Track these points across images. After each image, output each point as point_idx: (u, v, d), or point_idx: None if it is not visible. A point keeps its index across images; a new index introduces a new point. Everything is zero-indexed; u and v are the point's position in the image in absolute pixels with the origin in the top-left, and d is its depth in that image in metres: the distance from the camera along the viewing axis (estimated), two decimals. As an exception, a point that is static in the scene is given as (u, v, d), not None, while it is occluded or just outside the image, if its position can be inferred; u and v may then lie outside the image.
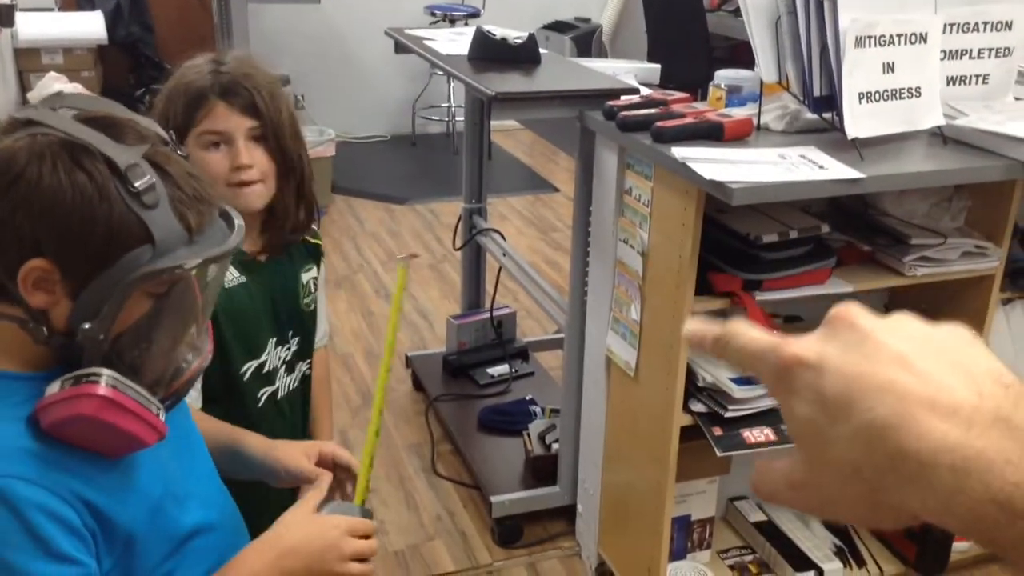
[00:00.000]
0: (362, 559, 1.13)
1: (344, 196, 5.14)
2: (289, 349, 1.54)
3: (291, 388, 1.56)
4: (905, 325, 0.45)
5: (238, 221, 0.98)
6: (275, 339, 1.51)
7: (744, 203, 1.77)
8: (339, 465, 1.28)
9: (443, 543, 2.59)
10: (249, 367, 1.47)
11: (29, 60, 4.94)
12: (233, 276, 1.43)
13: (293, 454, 1.26)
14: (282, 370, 1.53)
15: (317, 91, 5.84)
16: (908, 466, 0.41)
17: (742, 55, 5.71)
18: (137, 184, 0.88)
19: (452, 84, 6.01)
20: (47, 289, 0.90)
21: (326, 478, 1.22)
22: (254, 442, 1.28)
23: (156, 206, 0.89)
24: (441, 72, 5.90)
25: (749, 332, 0.48)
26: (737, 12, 5.62)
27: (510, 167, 5.73)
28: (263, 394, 1.50)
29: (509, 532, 2.57)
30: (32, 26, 4.92)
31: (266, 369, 1.50)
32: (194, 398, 1.41)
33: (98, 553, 0.93)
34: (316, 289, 1.59)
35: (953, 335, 0.45)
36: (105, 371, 0.90)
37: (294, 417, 1.59)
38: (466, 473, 2.84)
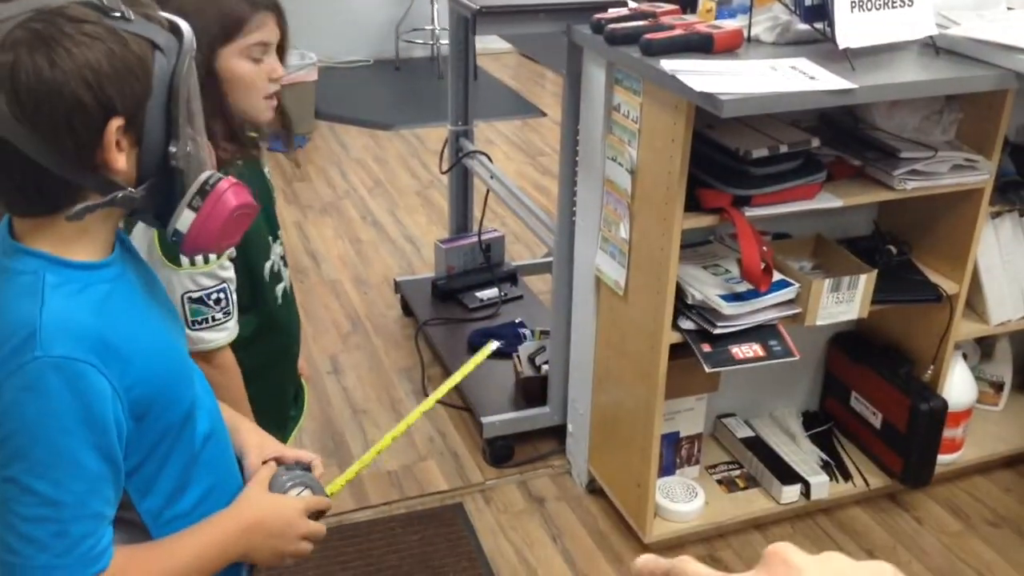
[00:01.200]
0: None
1: (328, 122, 5.07)
2: (282, 244, 1.60)
3: (290, 281, 1.64)
4: (833, 563, 0.52)
5: (183, 23, 0.99)
6: (272, 236, 1.56)
7: (734, 115, 1.75)
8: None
9: (435, 463, 2.61)
10: (267, 268, 1.54)
11: None
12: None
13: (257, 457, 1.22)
14: (281, 264, 1.60)
15: (297, 15, 5.62)
16: None
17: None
18: (118, 8, 0.92)
19: (436, 5, 5.88)
20: (121, 148, 0.93)
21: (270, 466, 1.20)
22: (244, 434, 1.24)
23: (135, 20, 0.93)
24: (424, -6, 5.80)
25: (696, 569, 0.56)
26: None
27: (496, 91, 5.65)
28: (279, 291, 1.58)
29: (500, 452, 2.60)
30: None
31: (276, 268, 1.57)
32: (235, 318, 1.45)
33: (126, 450, 0.98)
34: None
35: (881, 571, 0.53)
36: (210, 170, 0.98)
37: (295, 304, 1.68)
38: (456, 395, 2.86)
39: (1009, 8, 2.11)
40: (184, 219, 0.97)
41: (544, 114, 5.32)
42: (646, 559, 0.57)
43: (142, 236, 1.38)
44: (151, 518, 1.03)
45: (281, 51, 1.46)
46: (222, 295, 1.43)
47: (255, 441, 1.21)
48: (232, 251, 1.42)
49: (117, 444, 0.95)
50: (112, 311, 0.96)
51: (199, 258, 1.39)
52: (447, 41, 5.99)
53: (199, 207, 0.96)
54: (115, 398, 0.94)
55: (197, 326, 1.42)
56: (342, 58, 5.93)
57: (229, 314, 1.44)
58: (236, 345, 1.48)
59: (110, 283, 0.98)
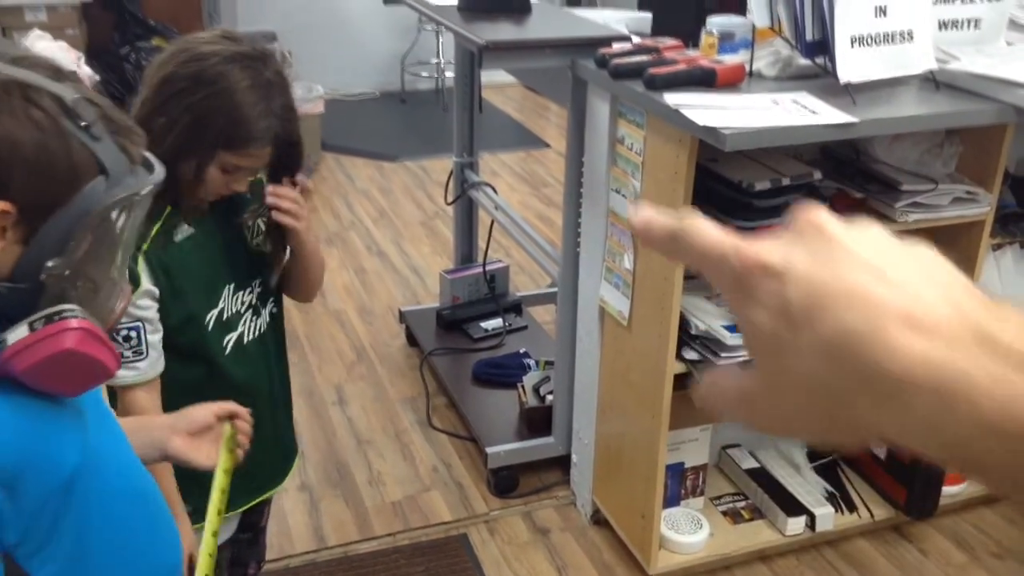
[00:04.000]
0: None
1: (333, 153, 5.11)
2: (252, 292, 1.56)
3: (260, 331, 1.58)
4: (876, 234, 0.41)
5: (155, 160, 0.98)
6: (232, 284, 1.52)
7: (737, 148, 1.77)
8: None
9: (440, 494, 2.61)
10: (211, 316, 1.49)
11: (12, 18, 4.87)
12: (182, 230, 1.44)
13: (195, 410, 1.26)
14: (248, 314, 1.55)
15: (305, 47, 5.76)
16: (884, 385, 0.37)
17: (731, 4, 5.67)
18: (85, 117, 0.89)
19: (441, 39, 5.95)
20: (2, 236, 0.89)
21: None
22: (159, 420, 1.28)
23: (103, 139, 0.90)
24: (431, 27, 5.88)
25: (707, 230, 0.43)
26: (728, -37, 5.56)
27: (501, 123, 5.70)
28: (228, 341, 1.52)
29: (505, 482, 2.60)
30: (14, -17, 4.85)
31: (226, 316, 1.52)
32: (154, 358, 1.43)
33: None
34: (266, 227, 1.56)
35: (922, 249, 0.41)
36: (74, 306, 0.91)
37: (266, 359, 1.61)
38: (461, 425, 2.87)
39: (1008, 43, 2.14)
40: (16, 333, 0.89)
41: (548, 146, 5.36)
42: (646, 213, 0.44)
43: None
44: None
45: (292, 164, 1.49)
46: (133, 333, 1.40)
47: (166, 422, 1.25)
48: (155, 291, 1.41)
49: None
50: None
51: None
52: (452, 74, 6.06)
53: (36, 330, 0.89)
54: None
55: (127, 350, 1.41)
56: (348, 90, 5.99)
57: (140, 354, 1.41)
58: (179, 390, 1.45)
59: None
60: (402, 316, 3.33)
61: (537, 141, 5.43)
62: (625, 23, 2.71)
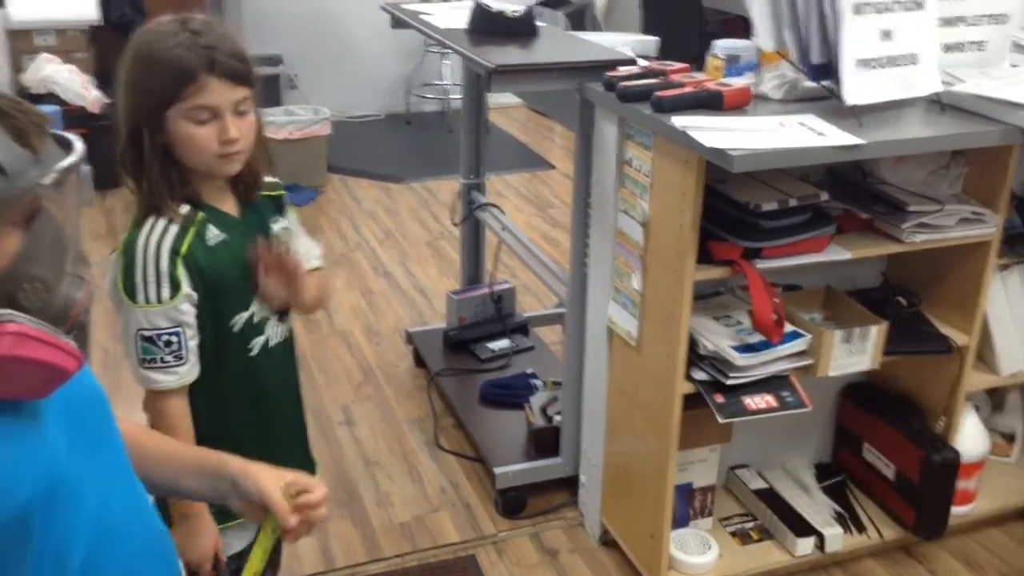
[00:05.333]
0: None
1: (340, 175, 5.14)
2: None
3: (284, 336, 1.62)
4: None
5: (76, 142, 0.96)
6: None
7: (745, 170, 1.79)
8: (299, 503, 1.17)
9: (448, 515, 2.61)
10: (239, 319, 1.52)
11: (22, 42, 4.92)
12: (215, 234, 1.48)
13: (271, 484, 1.15)
14: (273, 319, 1.58)
15: (310, 70, 5.82)
16: None
17: (734, 29, 5.71)
18: None
19: (446, 62, 5.99)
20: None
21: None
22: (235, 463, 1.19)
23: None
24: (436, 50, 5.92)
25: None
26: (730, -14, 5.61)
27: (506, 145, 5.73)
28: (254, 344, 1.55)
29: (513, 503, 2.60)
30: (25, 7, 4.90)
31: (256, 319, 1.55)
32: (192, 363, 1.46)
33: None
34: (290, 239, 1.62)
35: None
36: (5, 310, 0.88)
37: (286, 364, 1.64)
38: (468, 446, 2.87)
39: (1013, 65, 2.16)
40: None
41: (553, 167, 5.39)
42: None
43: (111, 268, 1.43)
44: None
45: (247, 106, 1.44)
46: (174, 338, 1.43)
47: (258, 472, 1.16)
48: (194, 295, 1.44)
49: None
50: None
51: (153, 295, 1.42)
52: (457, 96, 6.12)
53: None
54: None
55: (146, 365, 1.44)
56: (354, 112, 6.03)
57: (181, 359, 1.44)
58: (208, 393, 1.50)
59: None
60: (409, 337, 3.34)
61: (542, 162, 5.46)
62: (631, 47, 2.73)
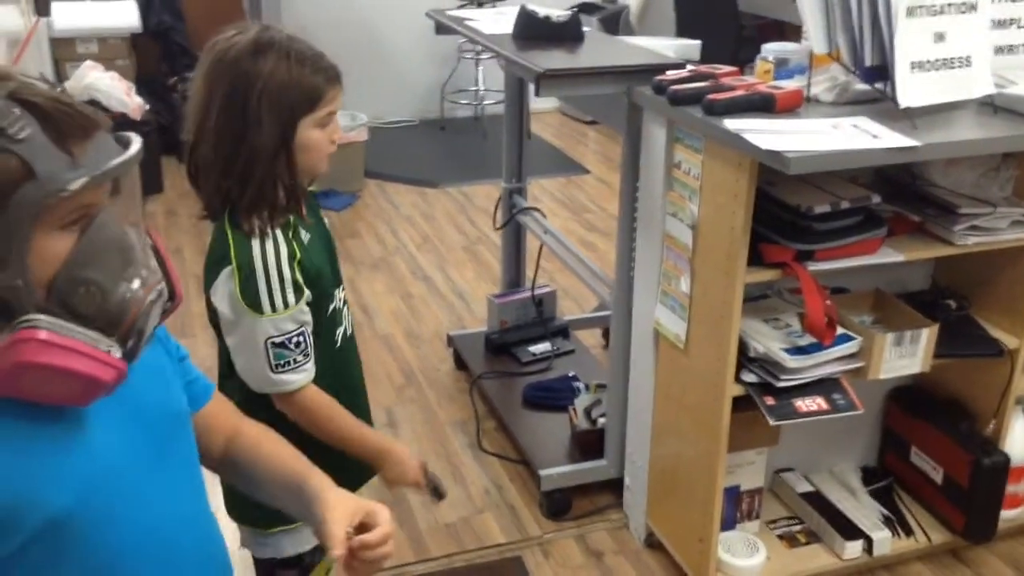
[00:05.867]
0: None
1: (377, 180, 5.18)
2: (344, 289, 1.66)
3: (353, 325, 1.70)
4: None
5: (135, 141, 0.95)
6: (336, 282, 1.63)
7: (801, 172, 1.79)
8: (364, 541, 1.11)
9: (492, 516, 2.63)
10: (330, 309, 1.59)
11: (65, 49, 5.00)
12: (304, 234, 1.53)
13: (336, 514, 1.10)
14: (345, 309, 1.66)
15: (347, 77, 5.71)
16: None
17: (769, 33, 5.69)
18: (3, 122, 0.85)
19: (480, 68, 6.02)
20: None
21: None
22: (315, 482, 1.17)
23: (29, 140, 0.86)
24: (471, 56, 5.95)
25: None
26: (765, -10, 5.60)
27: (540, 150, 5.74)
28: (338, 335, 1.62)
29: (558, 504, 2.61)
30: (67, 16, 4.99)
31: (336, 309, 1.61)
32: (313, 358, 1.51)
33: None
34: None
35: None
36: (36, 315, 0.88)
37: (357, 353, 1.74)
38: (511, 448, 2.88)
39: (1064, 67, 2.15)
40: None
41: (587, 171, 5.40)
42: None
43: (224, 283, 1.45)
44: None
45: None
46: (301, 338, 1.49)
47: (330, 499, 1.12)
48: (309, 295, 1.49)
49: None
50: None
51: (280, 303, 1.45)
52: (491, 101, 6.14)
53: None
54: None
55: (280, 369, 1.48)
56: (389, 118, 6.08)
57: (307, 356, 1.51)
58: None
59: None
60: (450, 340, 3.36)
61: (577, 167, 5.47)
62: (673, 50, 2.74)
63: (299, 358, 1.49)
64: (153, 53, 5.56)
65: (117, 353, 0.92)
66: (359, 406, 1.68)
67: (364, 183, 5.08)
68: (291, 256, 1.47)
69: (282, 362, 1.48)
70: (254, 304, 1.44)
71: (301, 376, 1.50)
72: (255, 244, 1.44)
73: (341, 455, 1.55)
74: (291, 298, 1.46)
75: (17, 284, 0.87)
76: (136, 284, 0.94)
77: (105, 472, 0.97)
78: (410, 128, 6.16)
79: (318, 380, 1.56)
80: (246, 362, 1.49)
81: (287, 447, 1.24)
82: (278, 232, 1.46)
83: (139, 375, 0.98)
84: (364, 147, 4.99)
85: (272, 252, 1.45)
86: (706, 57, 3.08)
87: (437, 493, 1.70)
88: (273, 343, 1.46)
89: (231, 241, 1.45)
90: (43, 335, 0.87)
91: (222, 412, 1.25)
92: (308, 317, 1.50)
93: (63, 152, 0.88)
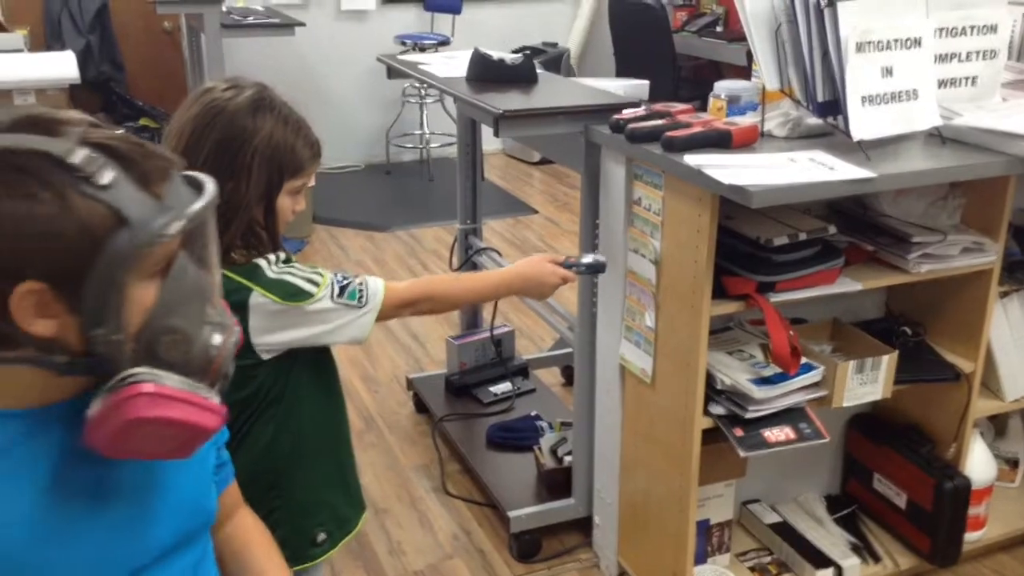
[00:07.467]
0: None
1: (325, 226, 5.15)
2: None
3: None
4: None
5: (207, 182, 0.93)
6: None
7: (763, 205, 1.82)
8: None
9: (462, 561, 2.59)
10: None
11: (1, 101, 4.90)
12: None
13: None
14: None
15: None
16: None
17: (706, 74, 5.84)
18: (86, 169, 0.82)
19: (425, 111, 6.05)
20: (46, 313, 0.84)
21: None
22: None
23: (114, 185, 0.83)
24: (415, 100, 5.98)
25: None
26: (701, 32, 5.75)
27: (488, 191, 5.73)
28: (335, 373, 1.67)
29: (528, 546, 2.58)
30: (3, 68, 4.89)
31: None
32: (375, 278, 1.55)
33: None
34: None
35: None
36: (139, 368, 0.86)
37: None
38: (477, 491, 2.86)
39: (1004, 99, 2.23)
40: (93, 406, 0.86)
41: (535, 211, 5.44)
42: None
43: (258, 310, 1.43)
44: None
45: None
46: (344, 277, 1.50)
47: None
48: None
49: None
50: None
51: (316, 278, 1.46)
52: (436, 144, 6.16)
53: (106, 401, 0.85)
54: None
55: (361, 302, 1.49)
56: (335, 164, 6.06)
57: (359, 276, 1.53)
58: (313, 421, 1.54)
59: (15, 435, 0.88)
60: (410, 383, 3.33)
61: (524, 207, 5.50)
62: (623, 90, 2.80)
63: (359, 283, 1.51)
64: (93, 104, 5.48)
65: (216, 399, 0.90)
66: (345, 441, 1.68)
67: (312, 228, 5.05)
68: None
69: (356, 298, 1.49)
70: (297, 295, 1.43)
71: (375, 284, 1.53)
72: (260, 262, 1.44)
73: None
74: (318, 276, 1.47)
75: (118, 339, 0.85)
76: (216, 327, 0.93)
77: (132, 563, 0.95)
78: (356, 173, 6.15)
79: (332, 420, 1.60)
80: (337, 335, 1.49)
81: (275, 555, 1.23)
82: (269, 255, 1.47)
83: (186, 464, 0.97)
84: (311, 192, 4.96)
85: (277, 259, 1.46)
86: (649, 97, 3.15)
87: (594, 268, 1.83)
88: (337, 299, 1.47)
89: (236, 277, 1.42)
90: (150, 388, 0.85)
91: (229, 494, 1.21)
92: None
93: (149, 196, 0.85)
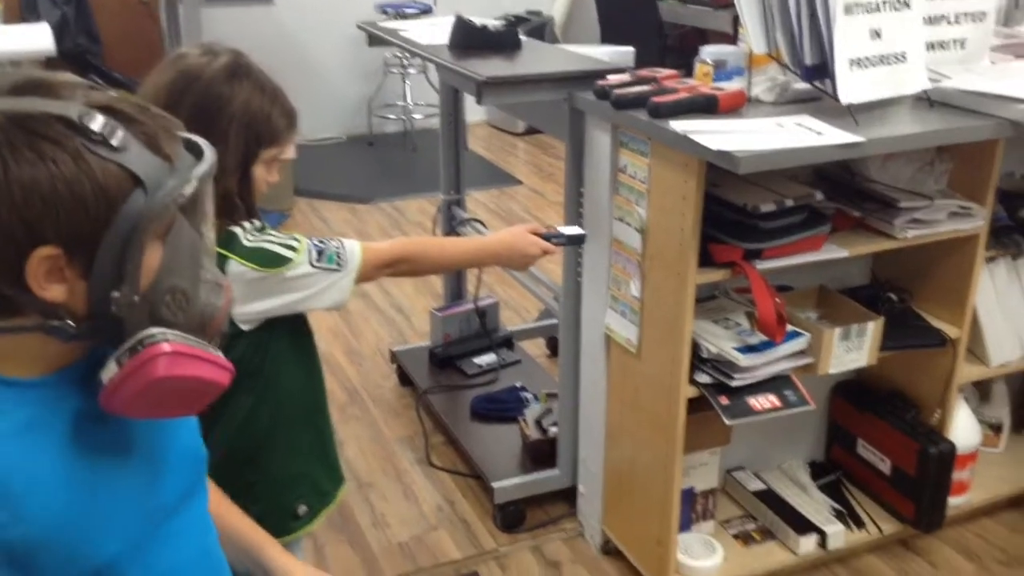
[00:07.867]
0: None
1: (307, 198, 5.10)
2: None
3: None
4: None
5: (204, 145, 0.93)
6: None
7: (751, 171, 1.80)
8: None
9: (446, 532, 2.58)
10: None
11: (-26, 73, 4.81)
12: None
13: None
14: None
15: None
16: None
17: (692, 41, 5.79)
18: (99, 131, 0.82)
19: (407, 82, 5.99)
20: (59, 278, 0.84)
21: None
22: (274, 551, 1.23)
23: (126, 147, 0.83)
24: (397, 70, 5.91)
25: None
26: (686, -1, 5.69)
27: (471, 162, 5.67)
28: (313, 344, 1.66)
29: (512, 517, 2.58)
30: (-24, 38, 4.79)
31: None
32: (352, 240, 1.56)
33: None
34: None
35: None
36: (156, 329, 0.86)
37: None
38: (461, 462, 2.84)
39: (992, 62, 2.21)
40: (107, 371, 0.86)
41: (519, 182, 5.40)
42: None
43: (238, 279, 1.40)
44: None
45: None
46: (321, 241, 1.49)
47: (290, 566, 1.21)
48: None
49: None
50: (22, 436, 0.86)
51: (292, 243, 1.44)
52: (419, 116, 6.10)
53: (123, 365, 0.86)
54: None
55: (340, 264, 1.49)
56: (317, 135, 5.99)
57: (337, 238, 1.53)
58: (290, 395, 1.52)
59: (35, 405, 0.88)
60: (393, 356, 3.31)
61: (509, 178, 5.46)
62: (608, 57, 2.75)
63: (336, 246, 1.50)
64: (68, 75, 5.38)
65: (221, 354, 0.92)
66: (324, 414, 1.67)
67: (294, 201, 4.99)
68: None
69: (334, 261, 1.48)
70: (275, 261, 1.42)
71: (352, 246, 1.52)
72: (235, 230, 1.41)
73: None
74: (295, 242, 1.45)
75: (134, 300, 0.86)
76: (213, 286, 0.94)
77: (155, 514, 0.97)
78: (338, 145, 6.09)
79: (310, 390, 1.58)
80: (317, 300, 1.47)
81: (235, 513, 1.25)
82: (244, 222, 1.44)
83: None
84: (292, 165, 4.90)
85: (252, 226, 1.43)
86: (635, 66, 3.11)
87: (575, 240, 1.86)
88: (316, 264, 1.45)
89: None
90: (168, 347, 0.86)
91: None
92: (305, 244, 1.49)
93: (160, 158, 0.86)
